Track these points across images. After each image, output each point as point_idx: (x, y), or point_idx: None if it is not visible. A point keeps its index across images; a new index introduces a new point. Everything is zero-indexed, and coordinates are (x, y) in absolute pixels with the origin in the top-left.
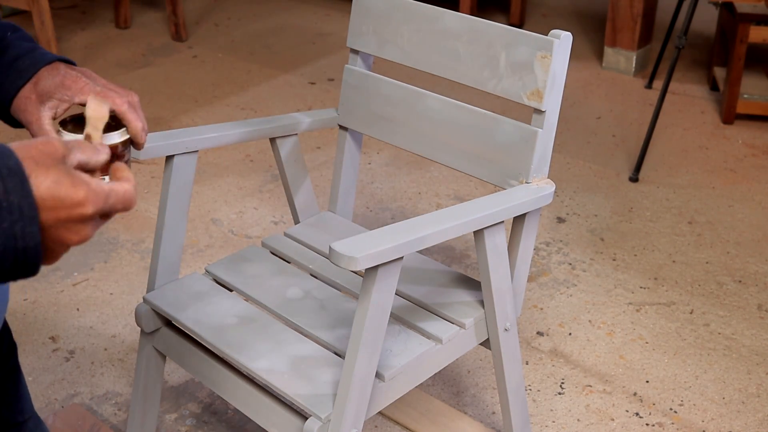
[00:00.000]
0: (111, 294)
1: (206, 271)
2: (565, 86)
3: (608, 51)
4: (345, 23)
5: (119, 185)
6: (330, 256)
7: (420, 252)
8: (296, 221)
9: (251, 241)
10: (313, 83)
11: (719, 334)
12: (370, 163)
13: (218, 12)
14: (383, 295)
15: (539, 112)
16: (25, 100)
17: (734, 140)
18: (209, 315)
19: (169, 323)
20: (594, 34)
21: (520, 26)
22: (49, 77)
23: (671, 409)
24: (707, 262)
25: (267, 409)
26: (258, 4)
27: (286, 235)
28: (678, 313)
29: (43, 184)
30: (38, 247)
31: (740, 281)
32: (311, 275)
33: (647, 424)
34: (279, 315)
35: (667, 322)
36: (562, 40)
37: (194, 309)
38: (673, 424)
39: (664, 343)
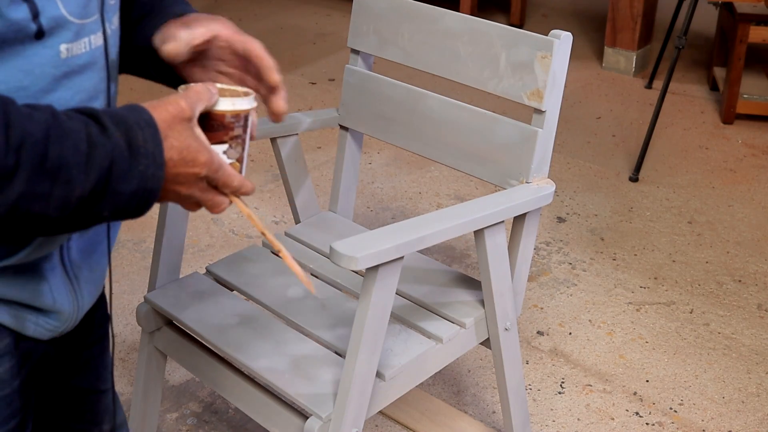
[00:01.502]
0: (112, 293)
1: (207, 270)
2: (565, 86)
3: (608, 51)
4: (345, 23)
5: (230, 167)
6: (331, 255)
7: (420, 252)
8: (297, 221)
9: (252, 241)
10: (313, 83)
11: (719, 333)
12: (370, 163)
13: (219, 12)
14: (384, 295)
15: (539, 112)
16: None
17: (734, 140)
18: (210, 314)
19: (170, 323)
20: (594, 34)
21: (520, 26)
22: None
23: (671, 408)
24: (707, 262)
25: (268, 409)
26: (258, 4)
27: (286, 234)
28: (678, 313)
29: (174, 146)
30: (158, 191)
31: (740, 281)
32: (312, 275)
33: (647, 424)
34: (280, 314)
35: (667, 322)
36: (563, 41)
37: (195, 308)
38: (673, 423)
39: (664, 342)
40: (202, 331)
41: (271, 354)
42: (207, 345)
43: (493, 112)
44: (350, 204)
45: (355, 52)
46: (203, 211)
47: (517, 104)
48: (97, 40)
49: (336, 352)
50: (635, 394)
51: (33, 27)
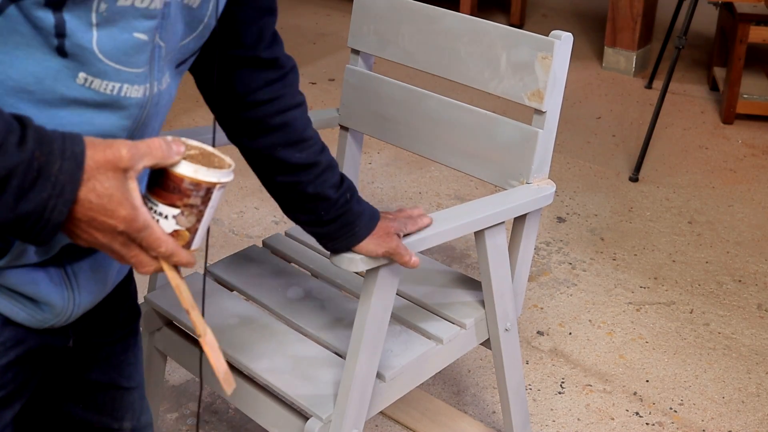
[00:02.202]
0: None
1: (207, 270)
2: (565, 86)
3: (608, 51)
4: (346, 23)
5: (160, 231)
6: (331, 256)
7: (421, 252)
8: None
9: (252, 241)
10: (313, 83)
11: (719, 333)
12: (370, 163)
13: None
14: (384, 296)
15: (540, 112)
16: None
17: (734, 140)
18: (210, 315)
19: (169, 323)
20: (594, 34)
21: (520, 27)
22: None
23: (671, 408)
24: (707, 262)
25: (268, 409)
26: None
27: (287, 234)
28: (678, 313)
29: (96, 189)
30: (57, 226)
31: (740, 281)
32: (312, 275)
33: (647, 424)
34: (280, 315)
35: (667, 322)
36: (563, 41)
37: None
38: (673, 423)
39: (664, 342)
40: None
41: (272, 355)
42: None
43: (494, 112)
44: None
45: (355, 52)
46: None
47: (517, 105)
48: (133, 91)
49: (336, 353)
50: (635, 394)
51: (54, 42)
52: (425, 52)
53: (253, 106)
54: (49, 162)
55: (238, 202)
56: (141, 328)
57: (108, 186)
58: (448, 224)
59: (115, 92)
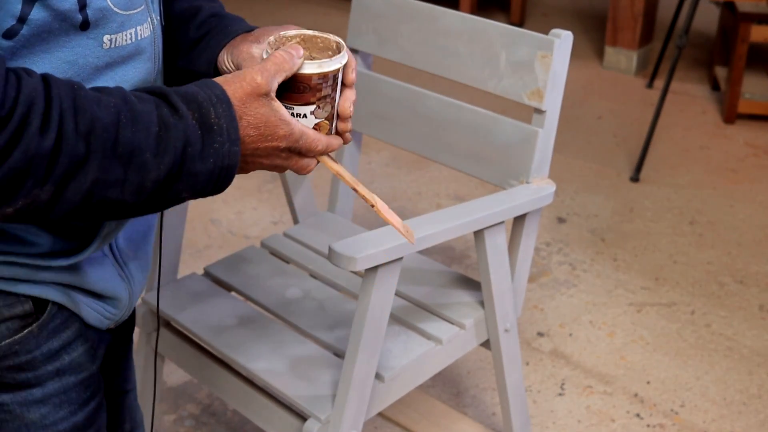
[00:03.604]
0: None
1: (205, 271)
2: (565, 86)
3: (609, 50)
4: (344, 22)
5: (313, 132)
6: (329, 256)
7: (420, 252)
8: (295, 221)
9: (250, 242)
10: None
11: (720, 334)
12: (370, 163)
13: None
14: (383, 296)
15: (540, 111)
16: (232, 49)
17: (735, 140)
18: (208, 316)
19: (167, 324)
20: (595, 34)
21: (520, 25)
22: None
23: (672, 410)
24: (708, 263)
25: (266, 410)
26: (256, 3)
27: (285, 235)
28: (679, 314)
29: (251, 123)
30: (236, 167)
31: (741, 282)
32: (311, 276)
33: (648, 425)
34: (278, 315)
35: (668, 323)
36: (563, 40)
37: (193, 310)
38: (674, 425)
39: (665, 343)
40: (200, 332)
41: (270, 355)
42: (205, 346)
43: (493, 111)
44: (349, 204)
45: (354, 51)
46: (201, 211)
47: (517, 104)
48: (144, 30)
49: (335, 354)
50: (636, 395)
51: (79, 18)
52: (424, 52)
53: None
54: (205, 114)
55: (236, 203)
56: (138, 329)
57: (260, 114)
58: (447, 224)
59: (133, 40)
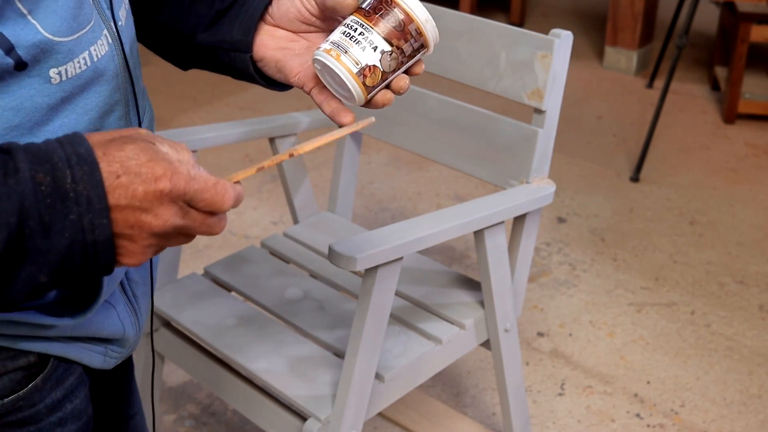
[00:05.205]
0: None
1: (205, 271)
2: (565, 86)
3: (609, 50)
4: None
5: (211, 177)
6: (329, 256)
7: (420, 252)
8: (295, 221)
9: (250, 242)
10: None
11: (720, 334)
12: (369, 163)
13: None
14: (383, 296)
15: (540, 111)
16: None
17: (735, 140)
18: (208, 316)
19: (167, 324)
20: (594, 34)
21: (520, 25)
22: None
23: (672, 410)
24: (708, 263)
25: (266, 410)
26: None
27: (285, 235)
28: (679, 314)
29: (116, 159)
30: (110, 241)
31: (742, 282)
32: (310, 275)
33: (648, 425)
34: (278, 315)
35: (668, 323)
36: (563, 40)
37: (193, 310)
38: (674, 425)
39: (665, 343)
40: (199, 332)
41: (270, 355)
42: (205, 346)
43: (493, 111)
44: (349, 204)
45: None
46: None
47: (517, 104)
48: (99, 49)
49: (335, 354)
50: (636, 395)
51: (9, 61)
52: None
53: None
54: (57, 179)
55: None
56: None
57: (127, 150)
58: (447, 224)
59: (89, 64)
